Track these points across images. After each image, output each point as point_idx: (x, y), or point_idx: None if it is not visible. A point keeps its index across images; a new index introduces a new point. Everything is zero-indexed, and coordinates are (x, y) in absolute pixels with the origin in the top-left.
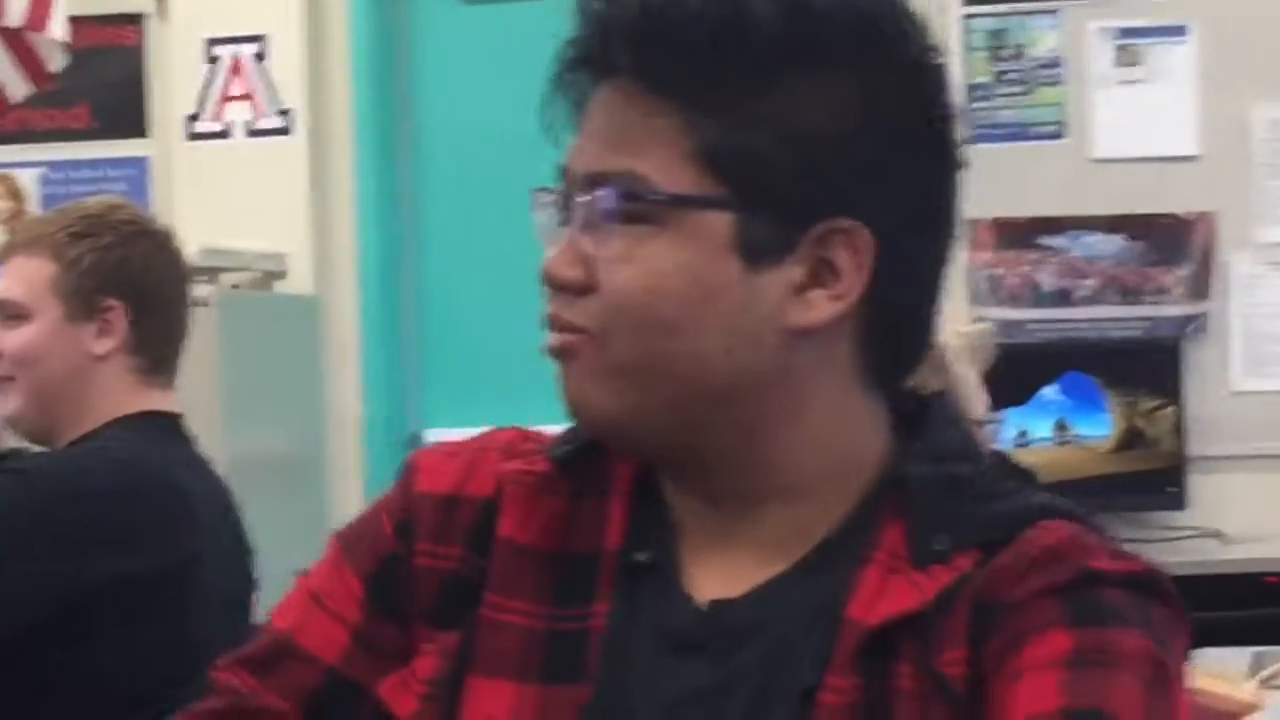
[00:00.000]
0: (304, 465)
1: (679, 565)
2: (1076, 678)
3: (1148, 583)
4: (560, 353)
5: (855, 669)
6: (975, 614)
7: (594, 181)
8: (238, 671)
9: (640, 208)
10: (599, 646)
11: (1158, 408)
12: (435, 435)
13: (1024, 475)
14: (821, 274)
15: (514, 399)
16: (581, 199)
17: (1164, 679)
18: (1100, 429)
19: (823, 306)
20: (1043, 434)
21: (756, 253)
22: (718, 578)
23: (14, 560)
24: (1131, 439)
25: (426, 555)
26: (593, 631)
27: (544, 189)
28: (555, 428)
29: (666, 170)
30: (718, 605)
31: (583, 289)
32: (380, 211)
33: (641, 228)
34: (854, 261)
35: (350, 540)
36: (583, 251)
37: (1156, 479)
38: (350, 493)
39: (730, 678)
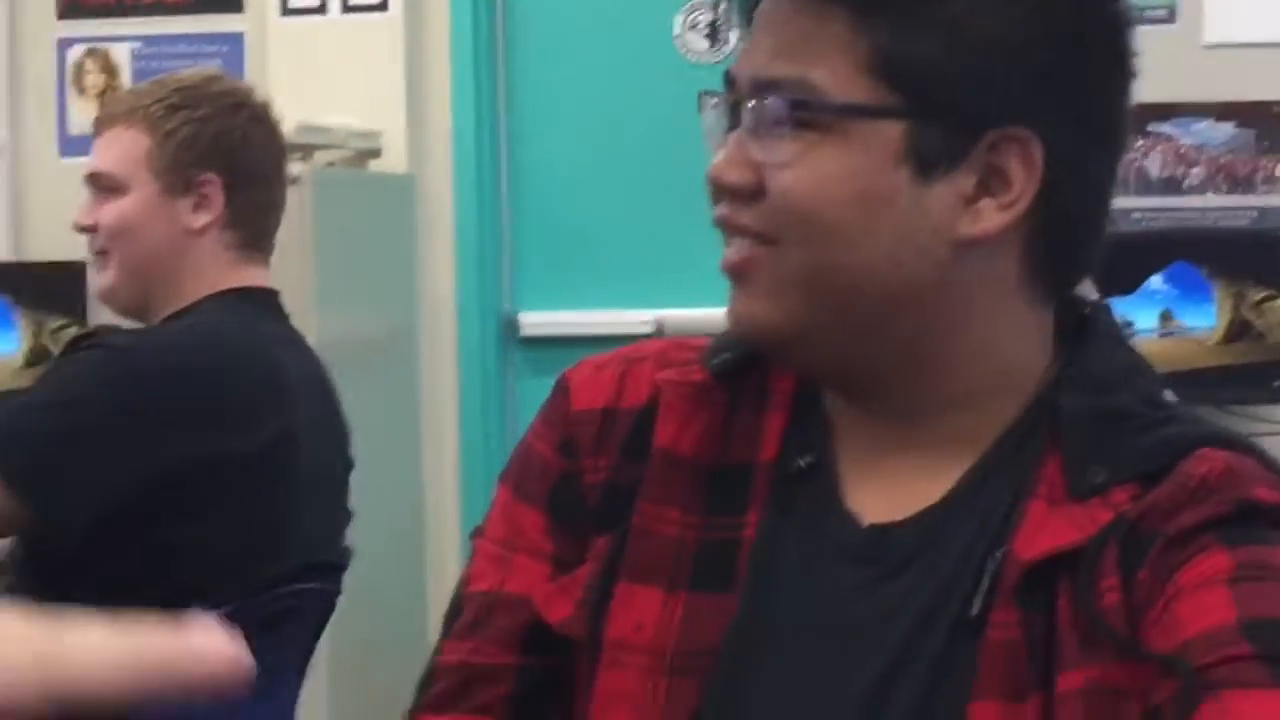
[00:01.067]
0: (397, 346)
1: (838, 479)
2: (1243, 591)
3: None
4: (738, 270)
5: (1017, 603)
6: (1128, 544)
7: (763, 87)
8: (455, 646)
9: (810, 115)
10: (750, 556)
11: (1266, 299)
12: (529, 318)
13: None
14: (992, 183)
15: (609, 282)
16: (751, 104)
17: None
18: (1206, 320)
19: (992, 216)
20: (1148, 324)
21: (927, 162)
22: (878, 496)
23: (111, 437)
24: (1239, 331)
25: (590, 471)
26: (744, 541)
27: (710, 92)
28: (647, 313)
29: (837, 78)
30: (880, 529)
31: (751, 194)
32: (476, 90)
33: (811, 134)
34: (1026, 171)
35: (517, 480)
36: (751, 157)
37: (1264, 371)
38: (443, 375)
39: (890, 603)
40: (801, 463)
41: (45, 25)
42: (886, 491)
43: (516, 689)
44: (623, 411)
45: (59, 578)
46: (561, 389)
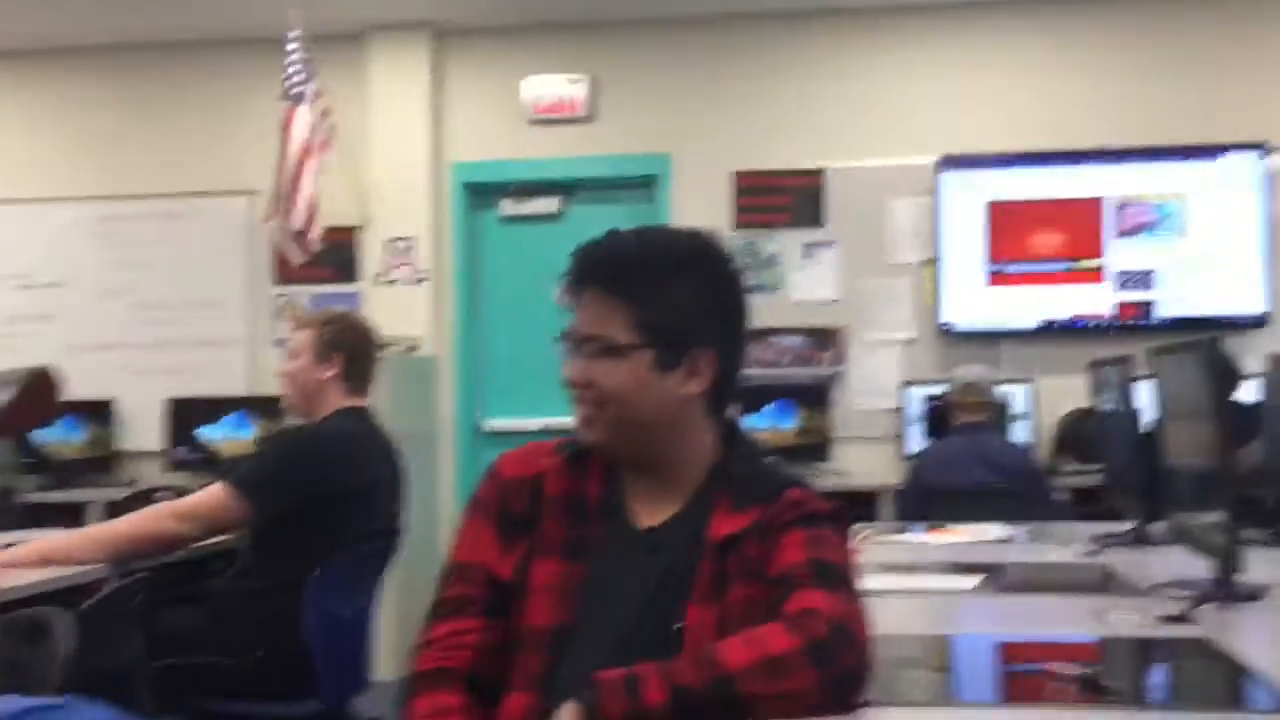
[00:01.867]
0: (426, 438)
1: (628, 506)
2: (809, 548)
3: (834, 510)
4: (582, 420)
5: (713, 559)
6: (761, 529)
7: (587, 338)
8: (452, 586)
9: (609, 350)
10: (594, 546)
11: (817, 412)
12: (490, 423)
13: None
14: (694, 372)
15: (532, 401)
16: (583, 345)
17: (842, 550)
18: (791, 423)
19: (694, 386)
20: (764, 425)
21: (664, 367)
22: (646, 514)
23: (290, 473)
24: (804, 430)
25: (514, 507)
26: (591, 536)
27: (561, 337)
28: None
29: (621, 331)
30: (649, 529)
31: (586, 385)
32: (467, 316)
33: (611, 359)
34: (708, 364)
35: (476, 509)
36: (584, 369)
37: (818, 447)
38: (447, 451)
39: (655, 565)
40: (611, 499)
41: (267, 288)
42: (649, 512)
43: (485, 607)
44: (528, 479)
45: (264, 547)
46: (496, 467)
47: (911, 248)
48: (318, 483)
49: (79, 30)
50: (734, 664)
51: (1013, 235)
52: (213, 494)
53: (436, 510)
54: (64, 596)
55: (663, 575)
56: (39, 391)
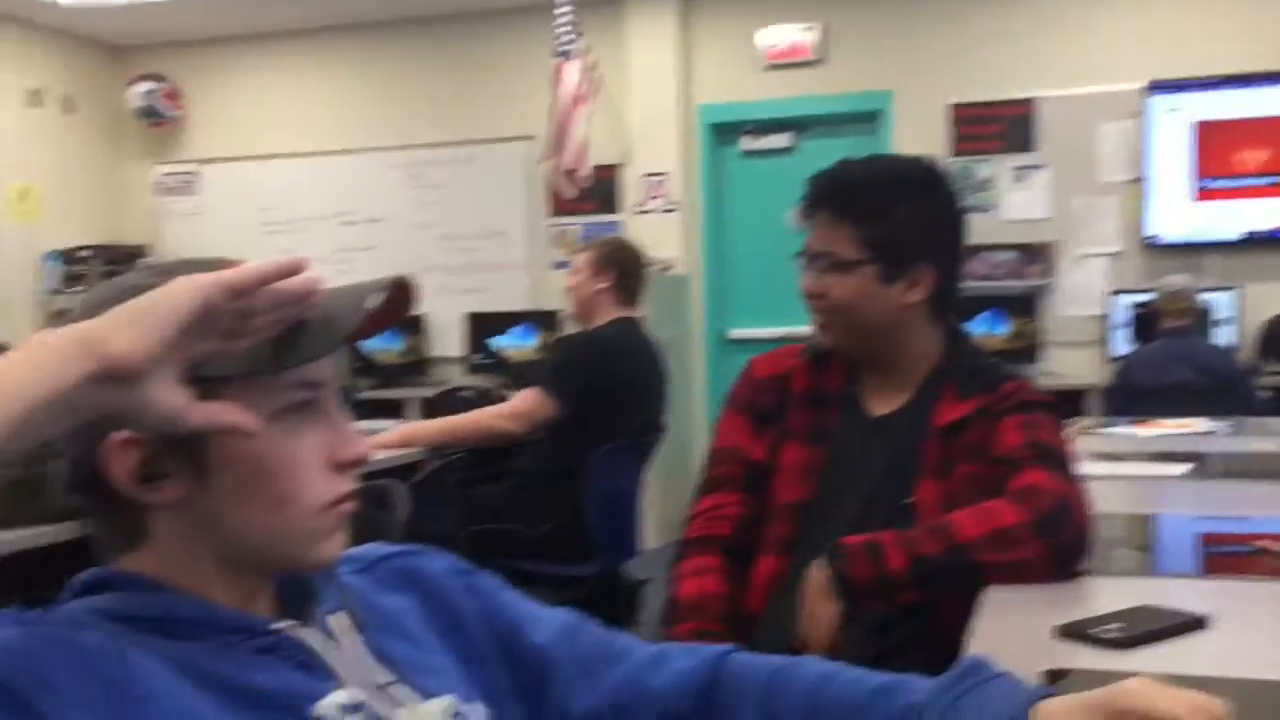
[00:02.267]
0: (680, 344)
1: (863, 399)
2: (1026, 431)
3: (1048, 399)
4: (819, 327)
5: (939, 442)
6: (983, 416)
7: (819, 254)
8: (715, 466)
9: (839, 265)
10: (833, 432)
11: (1028, 324)
12: (734, 331)
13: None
14: (914, 283)
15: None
16: (816, 261)
17: (1057, 434)
18: (1005, 329)
19: (914, 295)
20: (981, 331)
21: (887, 279)
22: (878, 404)
23: (584, 372)
24: (1016, 336)
25: (762, 402)
26: (830, 424)
27: (797, 255)
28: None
29: (848, 249)
30: (881, 417)
31: (820, 297)
32: (714, 235)
33: (840, 273)
34: (927, 276)
35: (732, 404)
36: (818, 281)
37: (1028, 351)
38: (698, 359)
39: (885, 447)
40: (849, 391)
41: (544, 219)
42: (881, 402)
43: (742, 484)
44: (776, 377)
45: (555, 435)
46: (749, 367)
47: (1119, 168)
48: (605, 379)
49: (387, 7)
50: (967, 535)
51: (1219, 153)
52: (529, 398)
53: (689, 408)
54: (398, 472)
55: (893, 456)
56: (399, 297)
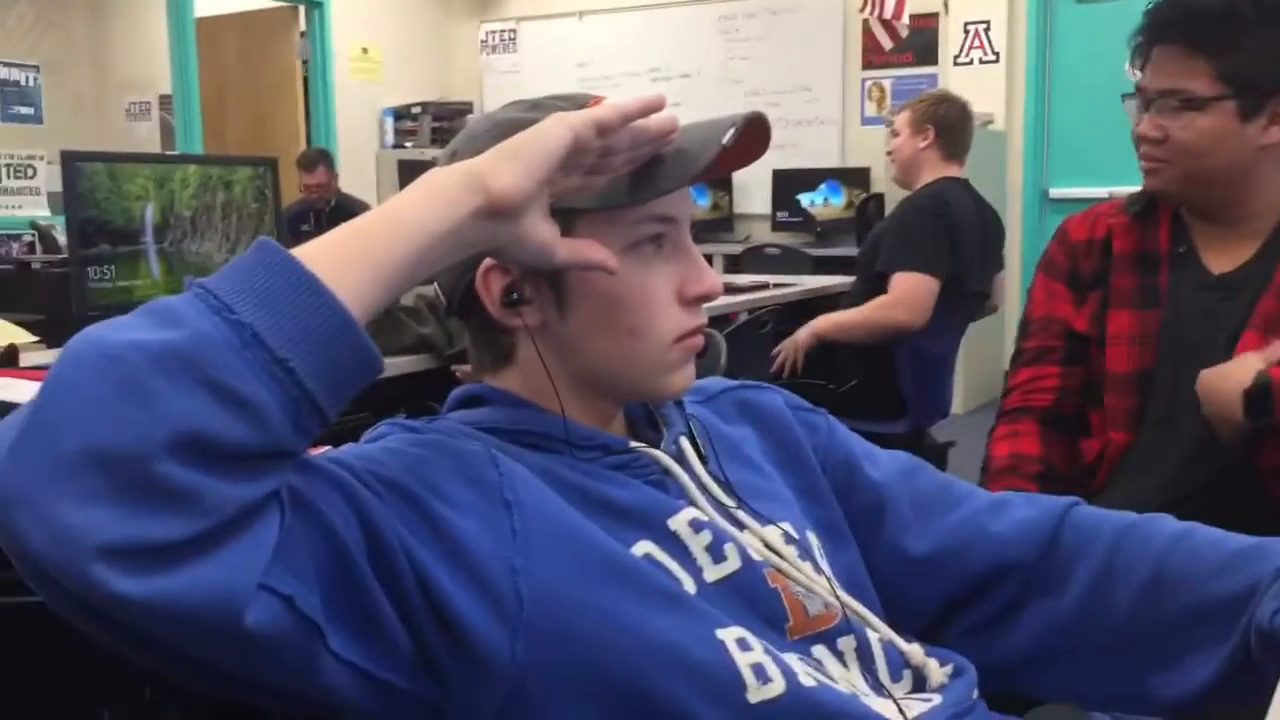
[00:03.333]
0: (998, 204)
1: (1199, 254)
2: None
3: None
4: (1149, 170)
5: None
6: None
7: (1165, 92)
8: (1033, 336)
9: (1191, 103)
10: (1167, 294)
11: None
12: (1055, 191)
13: None
14: (1276, 119)
15: (1090, 171)
16: (1159, 100)
17: None
18: None
19: (1274, 134)
20: None
21: (1246, 116)
22: (1217, 262)
23: (936, 237)
24: None
25: (1082, 266)
26: (1163, 285)
27: (1130, 95)
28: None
29: (1203, 84)
30: (1223, 275)
31: (1161, 140)
32: (1036, 93)
33: (1191, 112)
34: None
35: (1048, 270)
36: (1160, 122)
37: None
38: (1017, 217)
39: (1226, 306)
40: (1180, 249)
41: (857, 73)
42: (1221, 258)
43: (1063, 356)
44: (1097, 240)
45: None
46: (1064, 230)
47: None
48: (955, 242)
49: None
50: None
51: None
52: (906, 283)
53: (1006, 268)
54: (713, 323)
55: (1243, 318)
56: (754, 134)
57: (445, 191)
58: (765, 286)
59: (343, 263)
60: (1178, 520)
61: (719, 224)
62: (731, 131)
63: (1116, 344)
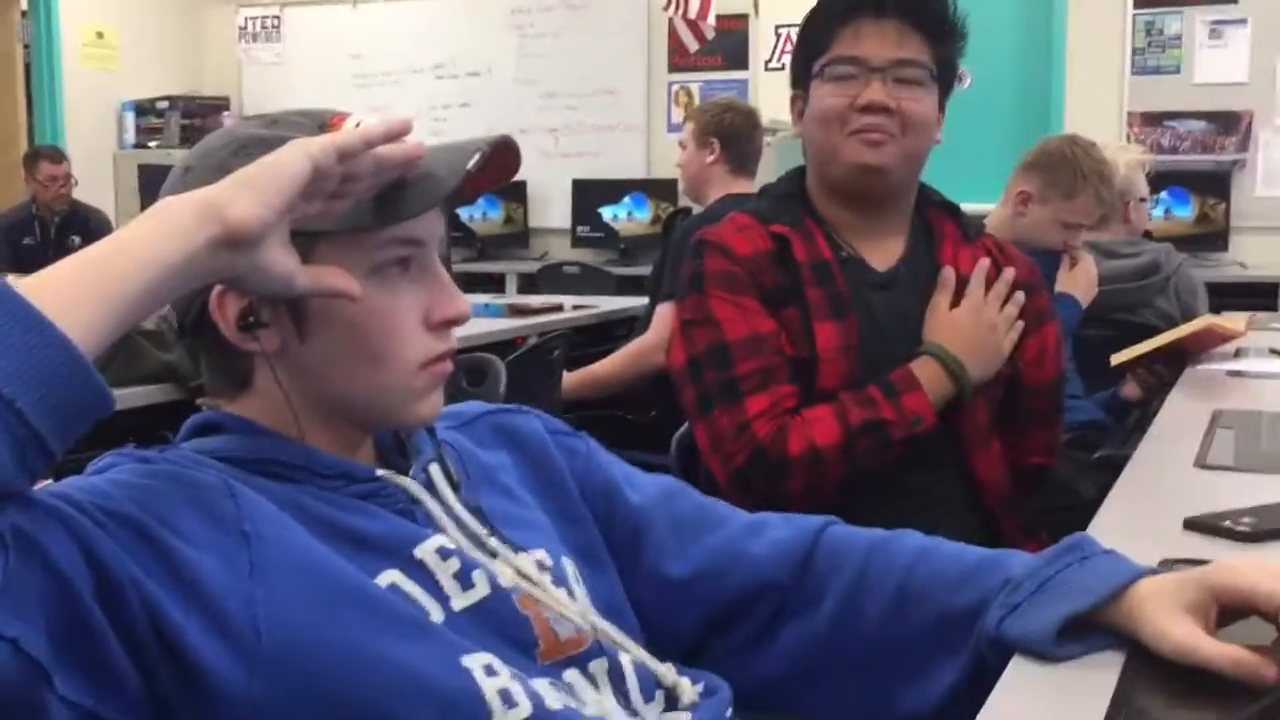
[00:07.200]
0: None
1: (860, 256)
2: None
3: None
4: (876, 143)
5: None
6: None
7: (903, 61)
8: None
9: (924, 77)
10: (849, 299)
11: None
12: None
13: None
14: (943, 110)
15: None
16: (894, 69)
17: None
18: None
19: (938, 132)
20: None
21: (942, 105)
22: (878, 260)
23: None
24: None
25: (765, 279)
26: (844, 292)
27: (852, 60)
28: None
29: (931, 62)
30: (888, 271)
31: (892, 112)
32: None
33: (922, 88)
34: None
35: (725, 286)
36: (893, 92)
37: None
38: None
39: (895, 295)
40: (843, 254)
41: (663, 76)
42: (878, 257)
43: (789, 374)
44: (767, 251)
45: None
46: (722, 242)
47: None
48: None
49: None
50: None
51: None
52: (667, 317)
53: None
54: (497, 348)
55: (904, 299)
56: (503, 159)
57: (180, 221)
58: (559, 308)
59: (72, 298)
60: (923, 536)
61: (513, 239)
62: (477, 157)
63: (830, 360)
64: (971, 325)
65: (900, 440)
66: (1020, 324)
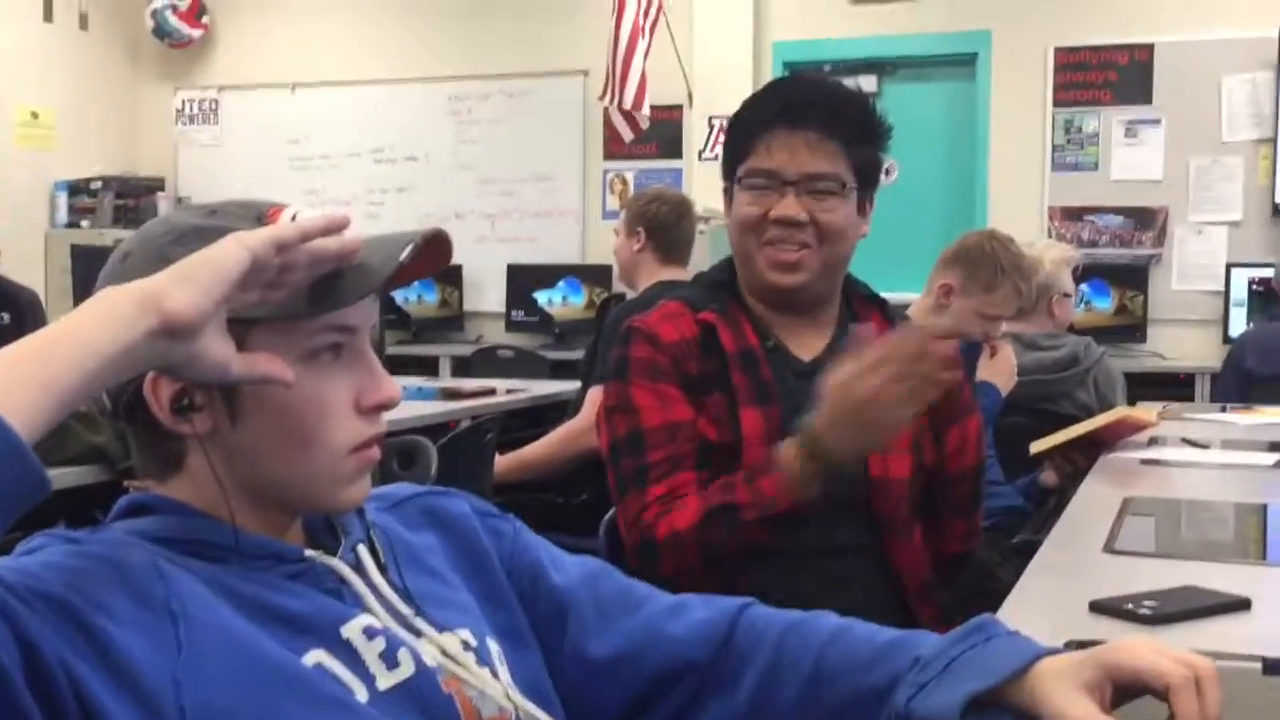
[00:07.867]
0: None
1: (785, 347)
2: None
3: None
4: (792, 262)
5: None
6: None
7: (815, 175)
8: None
9: (837, 188)
10: (774, 388)
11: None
12: None
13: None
14: (867, 214)
15: None
16: (807, 183)
17: None
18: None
19: (865, 228)
20: None
21: (861, 210)
22: (802, 349)
23: None
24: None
25: (689, 366)
26: (768, 380)
27: (766, 174)
28: None
29: (845, 172)
30: (813, 360)
31: (807, 224)
32: None
33: (836, 198)
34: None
35: (646, 374)
36: (807, 205)
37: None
38: None
39: (812, 387)
40: (768, 344)
41: (598, 164)
42: (805, 346)
43: (696, 462)
44: (693, 339)
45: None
46: (648, 330)
47: (1245, 126)
48: None
49: None
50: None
51: None
52: (598, 402)
53: None
54: (430, 431)
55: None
56: (435, 251)
57: (120, 312)
58: (493, 392)
59: (10, 385)
60: (839, 617)
61: (447, 323)
62: (410, 249)
63: (753, 445)
64: (839, 399)
65: (755, 522)
66: (927, 391)
